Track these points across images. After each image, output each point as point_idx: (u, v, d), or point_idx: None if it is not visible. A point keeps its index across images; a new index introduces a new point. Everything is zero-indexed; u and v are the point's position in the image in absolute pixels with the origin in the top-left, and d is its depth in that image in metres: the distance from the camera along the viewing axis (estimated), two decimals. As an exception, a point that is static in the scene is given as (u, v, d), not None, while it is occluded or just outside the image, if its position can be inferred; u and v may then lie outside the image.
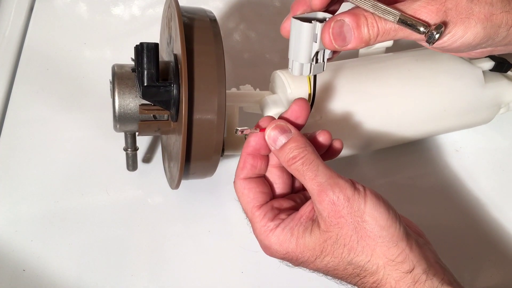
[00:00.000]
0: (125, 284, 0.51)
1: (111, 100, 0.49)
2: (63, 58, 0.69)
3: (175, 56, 0.47)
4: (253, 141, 0.42)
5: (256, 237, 0.42)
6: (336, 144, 0.44)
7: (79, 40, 0.72)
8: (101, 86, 0.62)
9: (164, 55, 0.54)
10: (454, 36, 0.38)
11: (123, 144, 0.54)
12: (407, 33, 0.37)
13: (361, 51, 0.60)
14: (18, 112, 0.63)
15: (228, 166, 0.59)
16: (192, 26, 0.47)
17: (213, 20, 0.49)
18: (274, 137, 0.41)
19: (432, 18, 0.37)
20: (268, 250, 0.41)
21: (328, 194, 0.38)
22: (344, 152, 0.45)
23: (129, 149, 0.54)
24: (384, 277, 0.38)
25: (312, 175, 0.39)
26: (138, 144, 0.55)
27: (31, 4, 0.76)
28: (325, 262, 0.39)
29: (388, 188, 0.59)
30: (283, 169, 0.44)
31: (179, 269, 0.52)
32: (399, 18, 0.36)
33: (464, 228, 0.57)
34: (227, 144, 0.54)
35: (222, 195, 0.58)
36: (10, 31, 0.72)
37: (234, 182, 0.44)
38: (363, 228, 0.38)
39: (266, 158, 0.44)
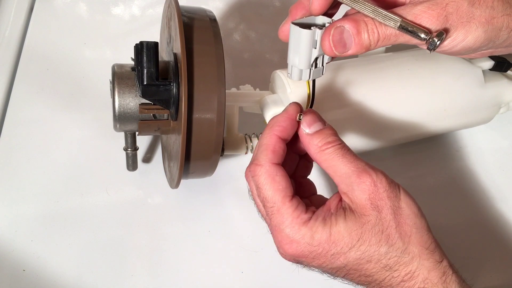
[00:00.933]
0: (125, 284, 0.51)
1: (111, 100, 0.49)
2: (63, 58, 0.69)
3: (175, 55, 0.47)
4: (283, 121, 0.40)
5: (282, 230, 0.39)
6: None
7: (79, 40, 0.72)
8: (101, 86, 0.62)
9: (164, 55, 0.54)
10: (455, 40, 0.38)
11: (123, 144, 0.54)
12: (407, 38, 0.37)
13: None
14: (18, 112, 0.63)
15: (228, 166, 0.59)
16: (192, 25, 0.47)
17: (213, 20, 0.49)
18: (310, 121, 0.40)
19: (433, 23, 0.36)
20: (292, 245, 0.38)
21: (371, 175, 0.38)
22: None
23: (129, 149, 0.54)
24: (418, 268, 0.38)
25: (351, 159, 0.39)
26: (138, 144, 0.55)
27: (31, 4, 0.76)
28: (360, 252, 0.38)
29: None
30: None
31: (179, 269, 0.52)
32: (400, 25, 0.36)
33: (463, 228, 0.57)
34: (227, 144, 0.54)
35: (222, 195, 0.58)
36: (10, 31, 0.72)
37: (259, 165, 0.39)
38: (399, 214, 0.38)
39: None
